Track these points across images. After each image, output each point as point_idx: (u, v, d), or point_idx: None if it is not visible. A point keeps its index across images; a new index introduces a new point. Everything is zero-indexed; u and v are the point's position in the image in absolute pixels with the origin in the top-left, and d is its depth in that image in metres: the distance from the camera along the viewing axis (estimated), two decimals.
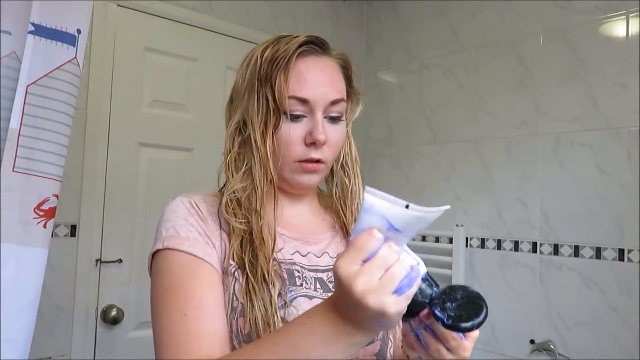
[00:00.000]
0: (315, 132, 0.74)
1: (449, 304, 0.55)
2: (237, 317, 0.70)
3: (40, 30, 1.21)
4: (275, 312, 0.68)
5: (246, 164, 0.77)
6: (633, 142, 1.80)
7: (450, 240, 2.24)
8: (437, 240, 2.36)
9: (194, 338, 0.66)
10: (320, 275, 0.77)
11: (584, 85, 1.93)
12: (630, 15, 1.84)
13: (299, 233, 0.81)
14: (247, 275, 0.71)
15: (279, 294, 0.70)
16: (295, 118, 0.75)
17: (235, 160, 0.77)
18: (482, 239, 2.20)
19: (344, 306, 0.53)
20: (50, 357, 1.77)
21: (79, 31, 1.27)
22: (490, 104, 2.21)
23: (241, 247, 0.73)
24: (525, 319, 2.03)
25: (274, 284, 0.70)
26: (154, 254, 0.74)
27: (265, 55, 0.75)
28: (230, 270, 0.72)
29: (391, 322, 0.52)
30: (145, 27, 2.04)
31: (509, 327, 2.08)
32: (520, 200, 2.08)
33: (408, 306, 0.52)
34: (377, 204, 0.51)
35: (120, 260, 1.94)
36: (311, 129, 0.75)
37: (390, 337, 0.80)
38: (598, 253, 1.86)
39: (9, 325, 1.15)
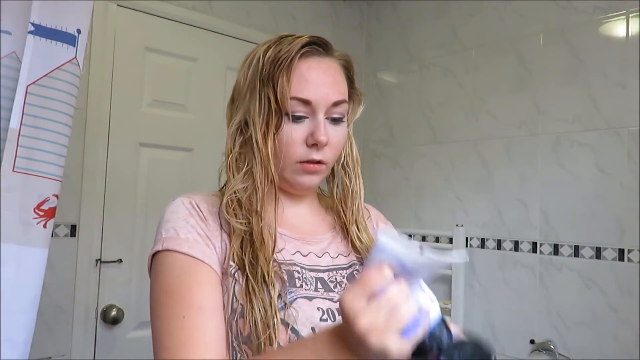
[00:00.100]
0: (317, 134, 0.74)
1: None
2: (237, 319, 0.70)
3: (40, 30, 1.20)
4: (275, 313, 0.68)
5: (247, 165, 0.76)
6: (633, 142, 1.80)
7: (450, 240, 2.24)
8: (437, 240, 2.36)
9: (192, 341, 0.66)
10: (321, 275, 0.77)
11: (584, 85, 1.93)
12: (630, 15, 1.83)
13: (299, 233, 0.81)
14: (247, 277, 0.70)
15: (279, 295, 0.70)
16: (297, 119, 0.75)
17: (236, 161, 0.77)
18: (482, 239, 2.20)
19: (348, 338, 0.53)
20: (50, 357, 1.77)
21: (79, 31, 1.27)
22: (490, 104, 2.21)
23: (241, 248, 0.73)
24: (525, 319, 2.03)
25: (273, 285, 0.70)
26: (153, 255, 0.74)
27: (267, 55, 0.75)
28: (231, 272, 0.72)
29: None
30: (145, 27, 2.04)
31: (509, 327, 2.08)
32: (520, 200, 2.08)
33: (418, 346, 0.51)
34: (391, 246, 0.51)
35: (120, 260, 1.94)
36: (313, 130, 0.75)
37: None
38: (598, 253, 1.86)
39: (9, 325, 1.15)
